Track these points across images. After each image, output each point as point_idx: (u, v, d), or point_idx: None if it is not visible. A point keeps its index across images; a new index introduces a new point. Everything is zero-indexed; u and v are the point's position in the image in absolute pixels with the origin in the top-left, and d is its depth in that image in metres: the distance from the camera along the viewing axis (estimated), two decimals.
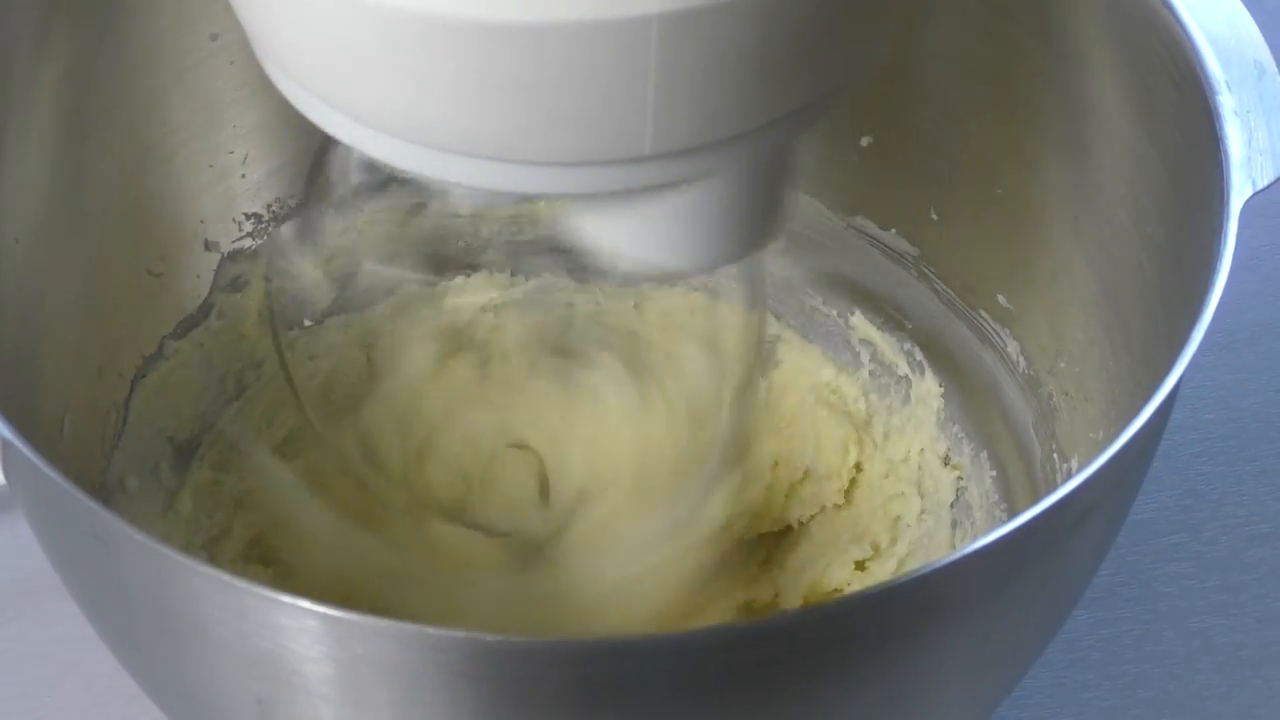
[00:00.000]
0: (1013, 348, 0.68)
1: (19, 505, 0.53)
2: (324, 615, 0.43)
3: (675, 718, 0.46)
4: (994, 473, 0.69)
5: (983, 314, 0.69)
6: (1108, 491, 0.49)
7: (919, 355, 0.73)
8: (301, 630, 0.44)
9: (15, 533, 0.70)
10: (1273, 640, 0.71)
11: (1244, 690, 0.69)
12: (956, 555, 0.45)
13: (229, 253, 0.72)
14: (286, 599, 0.43)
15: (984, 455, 0.70)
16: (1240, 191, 0.52)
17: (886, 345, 0.74)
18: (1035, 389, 0.67)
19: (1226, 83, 0.54)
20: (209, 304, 0.71)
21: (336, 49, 0.43)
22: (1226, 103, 0.54)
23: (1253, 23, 0.56)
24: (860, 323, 0.74)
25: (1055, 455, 0.65)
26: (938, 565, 0.45)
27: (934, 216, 0.70)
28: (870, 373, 0.74)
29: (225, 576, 0.43)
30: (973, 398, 0.70)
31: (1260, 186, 0.52)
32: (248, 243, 0.72)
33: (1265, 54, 0.55)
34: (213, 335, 0.71)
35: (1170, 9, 0.56)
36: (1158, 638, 0.71)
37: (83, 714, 0.68)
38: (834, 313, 0.75)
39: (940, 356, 0.72)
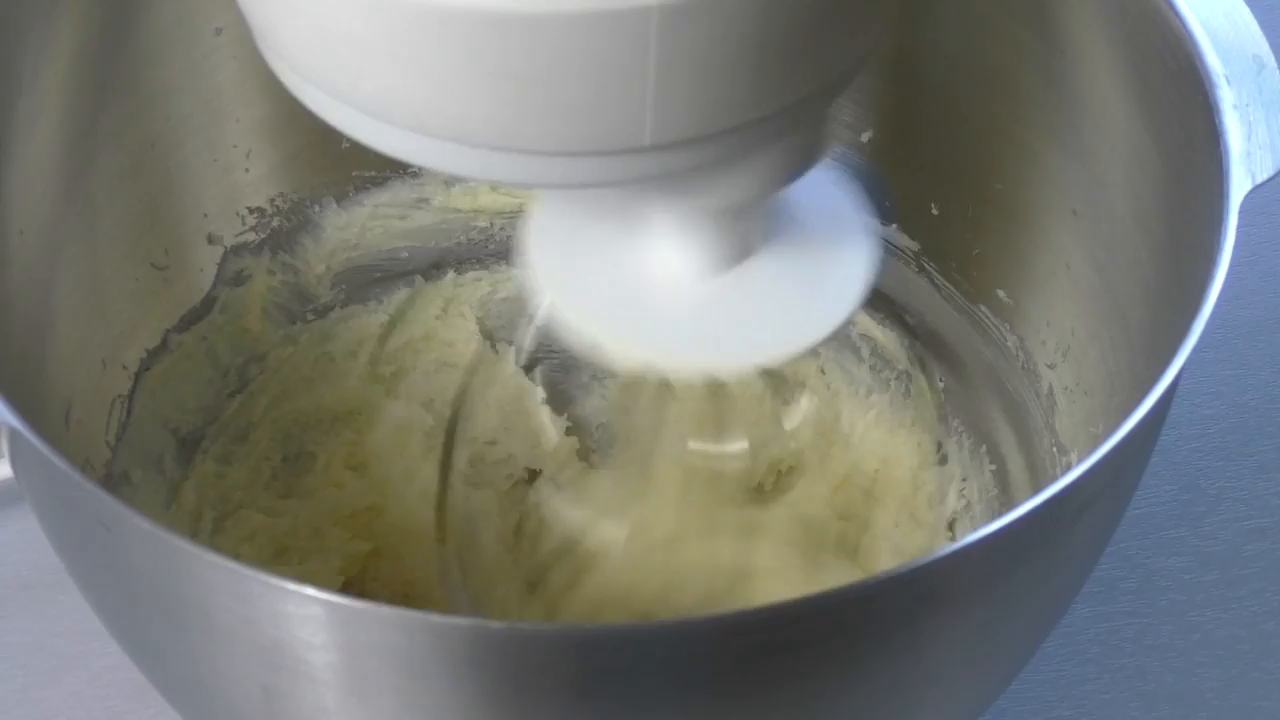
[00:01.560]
0: (1012, 342, 0.68)
1: (25, 495, 0.54)
2: (329, 602, 0.43)
3: (677, 705, 0.46)
4: (993, 466, 0.69)
5: (982, 308, 0.70)
6: (1107, 484, 0.49)
7: (919, 350, 0.73)
8: (307, 618, 0.44)
9: (19, 527, 0.70)
10: (1271, 634, 0.71)
11: (1242, 683, 0.69)
12: (957, 546, 0.45)
13: (232, 246, 0.72)
14: (292, 586, 0.43)
15: (983, 449, 0.70)
16: (1240, 186, 0.52)
17: (887, 340, 0.74)
18: (1035, 383, 0.67)
19: (1226, 77, 0.54)
20: (212, 297, 0.71)
21: (338, 40, 0.43)
22: (1226, 97, 0.54)
23: (1252, 17, 0.56)
24: (860, 317, 0.74)
25: (1054, 449, 0.65)
26: (938, 556, 0.45)
27: (934, 211, 0.70)
28: (870, 367, 0.75)
29: (231, 563, 0.43)
30: (972, 392, 0.71)
31: (1260, 181, 0.52)
32: (251, 236, 0.72)
33: (1264, 48, 0.55)
34: (216, 329, 0.72)
35: (1170, 3, 0.56)
36: (1156, 631, 0.71)
37: (86, 707, 0.68)
38: None
39: (940, 351, 0.72)
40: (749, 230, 0.54)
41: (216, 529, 0.69)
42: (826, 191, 0.57)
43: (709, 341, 0.54)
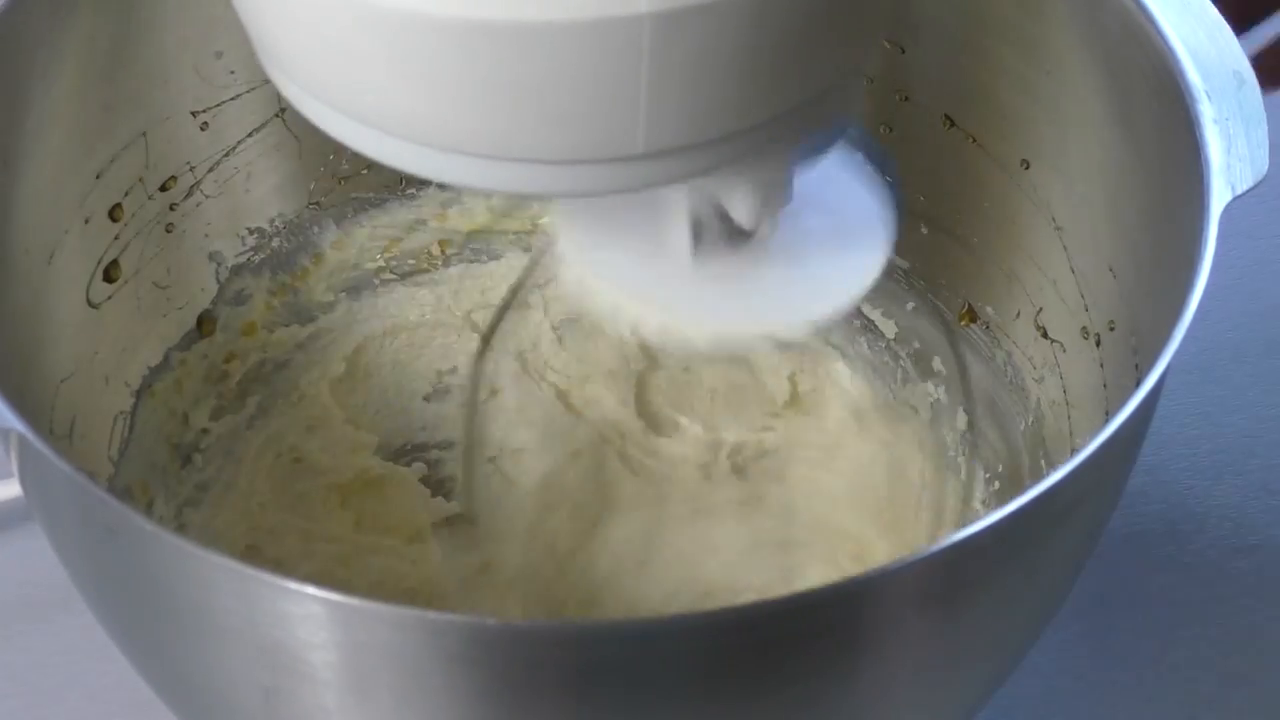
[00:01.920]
0: (1000, 357, 0.69)
1: (31, 504, 0.54)
2: (328, 601, 0.43)
3: (672, 702, 0.46)
4: (986, 475, 0.70)
5: (972, 325, 0.70)
6: (1091, 488, 0.50)
7: (909, 365, 0.74)
8: (307, 616, 0.44)
9: (21, 548, 0.71)
10: (1259, 650, 0.71)
11: (1231, 698, 0.70)
12: (939, 546, 0.45)
13: (233, 266, 0.72)
14: (293, 585, 0.43)
15: (975, 463, 0.70)
16: (1220, 196, 0.53)
17: (877, 356, 0.75)
18: (1023, 397, 0.67)
19: (1206, 92, 0.55)
20: (213, 316, 0.72)
21: (334, 50, 0.44)
22: (1206, 111, 0.54)
23: (1233, 36, 0.57)
24: (852, 335, 0.75)
25: (1043, 462, 0.65)
26: (920, 556, 0.45)
27: (924, 230, 0.71)
28: (865, 380, 0.75)
29: (234, 563, 0.44)
30: (963, 406, 0.72)
31: (1239, 191, 0.53)
32: (251, 256, 0.73)
33: (1244, 65, 0.56)
34: (217, 347, 0.72)
35: (1152, 22, 0.57)
36: (1146, 647, 0.71)
37: None
38: None
39: (930, 367, 0.73)
40: (768, 203, 0.54)
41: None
42: (843, 169, 0.57)
43: (727, 311, 0.55)
